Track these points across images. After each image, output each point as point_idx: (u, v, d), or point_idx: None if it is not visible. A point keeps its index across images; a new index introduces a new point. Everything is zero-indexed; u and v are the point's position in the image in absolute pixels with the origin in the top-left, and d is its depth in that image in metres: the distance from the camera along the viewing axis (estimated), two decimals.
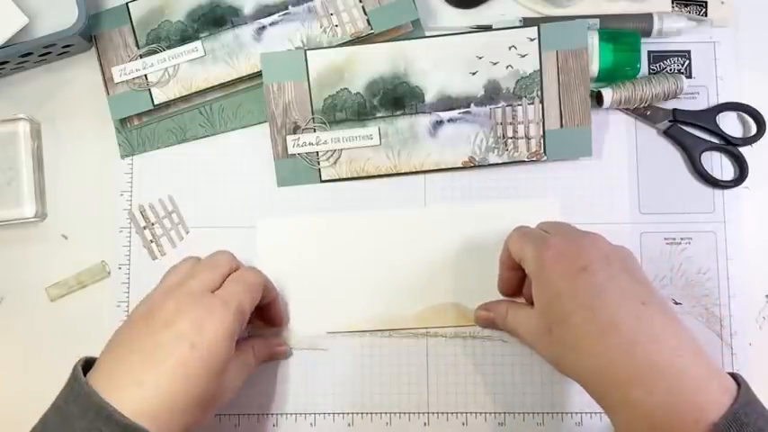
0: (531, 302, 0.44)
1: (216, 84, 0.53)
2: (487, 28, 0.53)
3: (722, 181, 0.53)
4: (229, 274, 0.44)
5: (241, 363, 0.44)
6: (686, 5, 0.54)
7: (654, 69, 0.54)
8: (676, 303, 0.52)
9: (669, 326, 0.37)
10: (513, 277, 0.48)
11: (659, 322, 0.37)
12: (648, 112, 0.53)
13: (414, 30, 0.54)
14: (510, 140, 0.52)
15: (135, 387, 0.37)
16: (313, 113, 0.52)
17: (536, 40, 0.51)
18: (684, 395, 0.34)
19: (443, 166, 0.53)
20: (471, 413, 0.51)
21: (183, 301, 0.40)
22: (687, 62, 0.54)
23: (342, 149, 0.53)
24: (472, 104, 0.52)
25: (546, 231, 0.45)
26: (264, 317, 0.50)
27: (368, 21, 0.52)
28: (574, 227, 0.46)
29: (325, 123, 0.52)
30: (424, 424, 0.51)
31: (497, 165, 0.53)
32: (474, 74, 0.52)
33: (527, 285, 0.48)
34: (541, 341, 0.42)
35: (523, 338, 0.45)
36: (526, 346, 0.51)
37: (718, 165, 0.54)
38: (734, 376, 0.36)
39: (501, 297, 0.51)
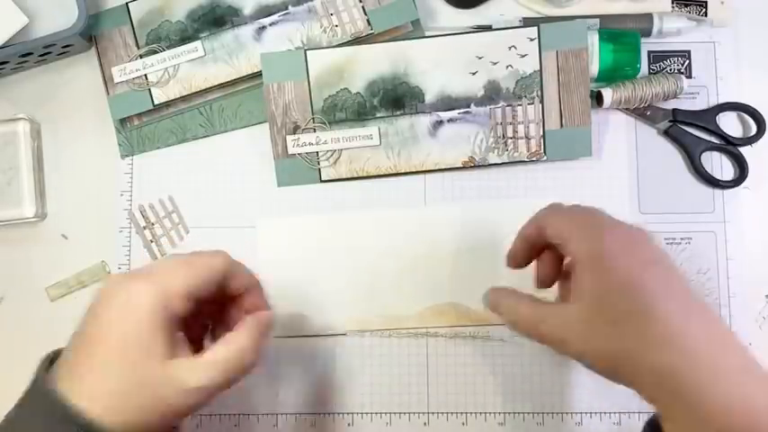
0: (563, 295, 0.40)
1: (216, 84, 0.53)
2: (487, 28, 0.53)
3: (722, 181, 0.53)
4: None
5: (201, 363, 0.36)
6: (686, 5, 0.54)
7: (654, 69, 0.54)
8: None
9: (730, 335, 0.36)
10: (527, 253, 0.43)
11: (722, 330, 0.36)
12: (648, 112, 0.53)
13: (414, 30, 0.54)
14: (510, 140, 0.52)
15: (78, 375, 0.35)
16: (313, 113, 0.52)
17: (536, 40, 0.51)
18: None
19: (443, 166, 0.53)
20: (471, 413, 0.51)
21: (110, 282, 0.37)
22: (687, 62, 0.54)
23: (342, 149, 0.53)
24: (472, 104, 0.52)
25: (588, 214, 0.40)
26: (248, 308, 0.42)
27: (368, 21, 0.52)
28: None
29: (325, 123, 0.52)
30: (424, 424, 0.51)
31: (497, 165, 0.53)
32: (474, 74, 0.52)
33: (564, 280, 0.43)
34: (597, 337, 0.36)
35: (556, 339, 0.38)
36: (525, 346, 0.51)
37: (718, 165, 0.54)
38: None
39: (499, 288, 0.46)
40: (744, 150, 0.53)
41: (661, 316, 0.35)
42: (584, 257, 0.37)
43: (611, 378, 0.37)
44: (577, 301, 0.37)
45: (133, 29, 0.54)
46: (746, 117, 0.54)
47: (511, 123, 0.52)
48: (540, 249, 0.42)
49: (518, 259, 0.44)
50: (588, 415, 0.51)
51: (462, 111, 0.52)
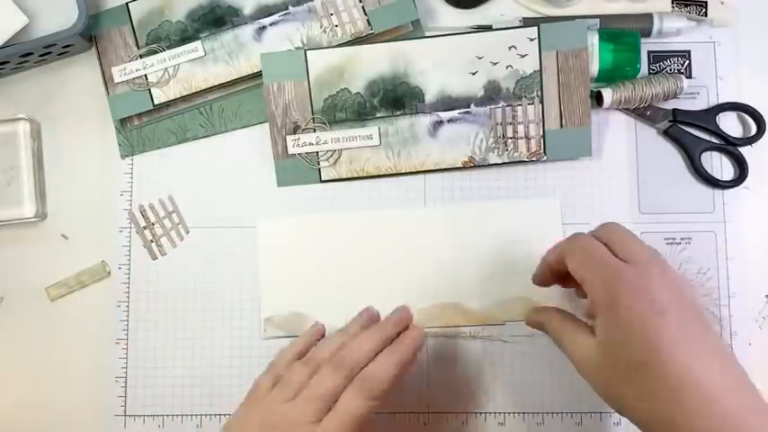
0: (587, 314, 0.41)
1: (216, 84, 0.53)
2: (487, 28, 0.53)
3: (722, 181, 0.53)
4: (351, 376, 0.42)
5: None
6: (686, 5, 0.54)
7: (654, 69, 0.54)
8: None
9: (744, 379, 0.36)
10: (550, 276, 0.45)
11: (737, 375, 0.36)
12: (648, 112, 0.53)
13: (414, 30, 0.54)
14: (510, 140, 0.52)
15: None
16: (313, 113, 0.52)
17: (536, 40, 0.51)
18: None
19: (443, 166, 0.53)
20: (471, 413, 0.51)
21: None
22: (687, 62, 0.54)
23: (342, 149, 0.53)
24: (472, 104, 0.52)
25: (605, 244, 0.40)
26: None
27: (368, 21, 0.52)
28: (629, 235, 0.41)
29: (325, 123, 0.52)
30: (424, 424, 0.51)
31: (497, 165, 0.53)
32: (474, 74, 0.52)
33: (586, 304, 0.44)
34: (601, 375, 0.39)
35: (575, 363, 0.41)
36: (526, 346, 0.51)
37: (718, 165, 0.54)
38: None
39: (506, 292, 0.51)
40: (744, 150, 0.53)
41: (674, 368, 0.35)
42: (599, 304, 0.38)
43: (617, 411, 0.38)
44: (596, 343, 0.39)
45: (133, 29, 0.54)
46: (746, 117, 0.54)
47: (511, 123, 0.52)
48: (564, 274, 0.43)
49: (542, 281, 0.46)
50: (588, 415, 0.51)
51: (462, 111, 0.52)
